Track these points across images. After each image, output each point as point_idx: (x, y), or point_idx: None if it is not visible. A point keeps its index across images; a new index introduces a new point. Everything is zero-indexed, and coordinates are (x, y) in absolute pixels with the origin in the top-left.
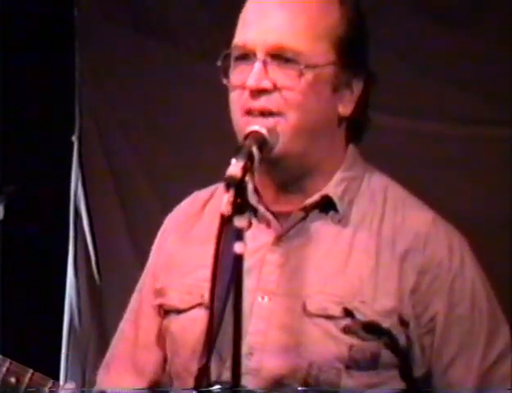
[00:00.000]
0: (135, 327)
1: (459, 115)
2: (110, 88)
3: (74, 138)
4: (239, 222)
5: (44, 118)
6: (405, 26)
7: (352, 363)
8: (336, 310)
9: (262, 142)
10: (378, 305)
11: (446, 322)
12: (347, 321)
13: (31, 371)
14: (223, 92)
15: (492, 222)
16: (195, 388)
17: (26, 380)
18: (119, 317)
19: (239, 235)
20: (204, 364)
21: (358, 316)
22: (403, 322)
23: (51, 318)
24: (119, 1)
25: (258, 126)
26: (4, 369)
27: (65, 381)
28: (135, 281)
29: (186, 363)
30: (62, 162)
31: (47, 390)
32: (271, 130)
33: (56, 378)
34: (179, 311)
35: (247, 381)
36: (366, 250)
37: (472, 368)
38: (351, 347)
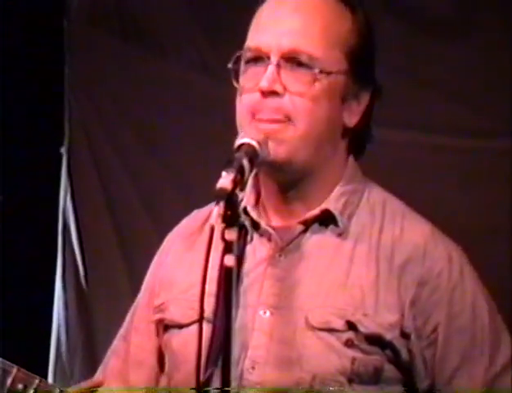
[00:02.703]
0: (127, 343)
1: (456, 127)
2: (99, 99)
3: (63, 150)
4: (229, 235)
5: (33, 129)
6: (399, 40)
7: (355, 377)
8: (339, 323)
9: (253, 155)
10: (380, 318)
11: (447, 334)
12: (349, 334)
13: (39, 378)
14: (212, 103)
15: (490, 233)
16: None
17: (34, 386)
18: (107, 329)
19: (228, 247)
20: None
21: (361, 329)
22: (405, 335)
23: (39, 331)
24: (108, 12)
25: (249, 139)
26: (12, 376)
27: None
28: (123, 293)
29: (188, 377)
30: (51, 174)
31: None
32: (262, 143)
33: None
34: (181, 326)
35: None
36: (366, 262)
37: (476, 380)
38: (353, 360)
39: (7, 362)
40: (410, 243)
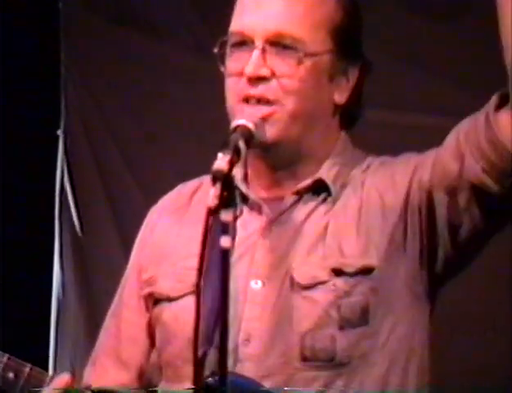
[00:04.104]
0: (118, 320)
1: (452, 109)
2: (95, 82)
3: (60, 132)
4: (225, 216)
5: (29, 112)
6: (399, 24)
7: (345, 323)
8: (324, 274)
9: (248, 136)
10: (362, 248)
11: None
12: (335, 281)
13: (29, 366)
14: (210, 87)
15: None
16: (194, 380)
17: (25, 375)
18: (107, 308)
19: (225, 229)
20: (198, 355)
21: (347, 269)
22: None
23: (39, 311)
24: None
25: (245, 120)
26: (2, 365)
27: (55, 373)
28: (122, 273)
29: (179, 351)
30: (48, 156)
31: (45, 385)
32: (258, 124)
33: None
34: (170, 299)
35: (246, 368)
36: (345, 212)
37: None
38: (339, 308)
39: None
40: (386, 175)
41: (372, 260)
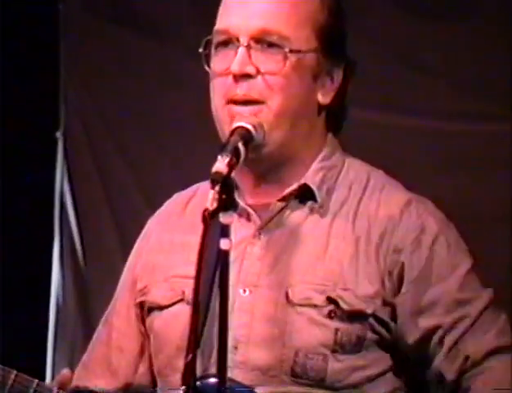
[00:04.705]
0: (109, 328)
1: (455, 110)
2: (95, 84)
3: (59, 135)
4: (224, 218)
5: (29, 114)
6: (398, 25)
7: (338, 348)
8: (319, 299)
9: (247, 138)
10: (361, 291)
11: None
12: (331, 307)
13: (15, 372)
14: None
15: (491, 216)
16: (182, 384)
17: (10, 381)
18: (105, 311)
19: (224, 231)
20: (190, 360)
21: (343, 305)
22: (387, 303)
23: (37, 314)
24: None
25: (244, 122)
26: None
27: (53, 377)
28: (121, 275)
29: (170, 359)
30: (47, 158)
31: (31, 391)
32: (257, 126)
33: (43, 374)
34: (161, 307)
35: (234, 375)
36: (344, 237)
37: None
38: (336, 331)
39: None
40: (386, 216)
41: (369, 307)
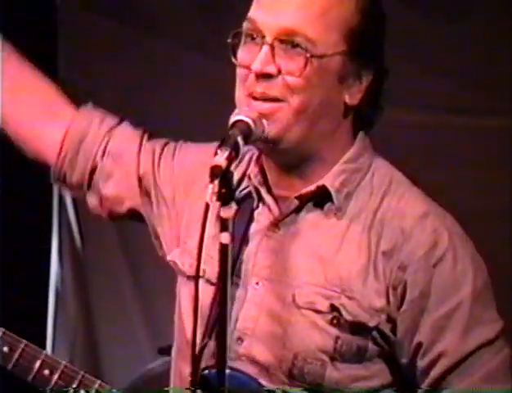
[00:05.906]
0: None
1: (458, 105)
2: (96, 82)
3: None
4: (224, 212)
5: None
6: (407, 25)
7: (338, 356)
8: (324, 305)
9: (247, 132)
10: (367, 302)
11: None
12: (334, 314)
13: (25, 342)
14: (211, 85)
15: (492, 212)
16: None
17: (19, 350)
18: (105, 303)
19: (224, 225)
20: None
21: (345, 314)
22: (390, 320)
23: (37, 305)
24: None
25: (244, 115)
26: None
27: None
28: (119, 266)
29: (178, 349)
30: None
31: (38, 362)
32: (256, 120)
33: None
34: (188, 277)
35: (236, 367)
36: (358, 245)
37: (448, 354)
38: (337, 339)
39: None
40: (399, 229)
41: (373, 320)
